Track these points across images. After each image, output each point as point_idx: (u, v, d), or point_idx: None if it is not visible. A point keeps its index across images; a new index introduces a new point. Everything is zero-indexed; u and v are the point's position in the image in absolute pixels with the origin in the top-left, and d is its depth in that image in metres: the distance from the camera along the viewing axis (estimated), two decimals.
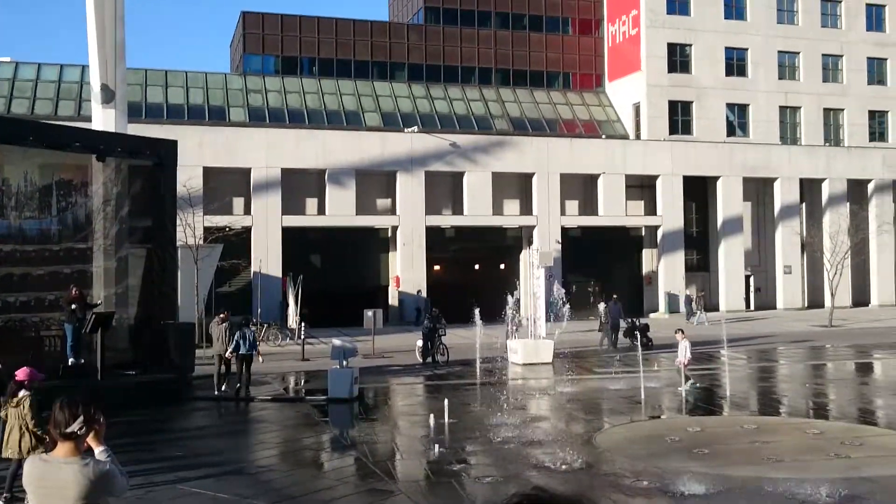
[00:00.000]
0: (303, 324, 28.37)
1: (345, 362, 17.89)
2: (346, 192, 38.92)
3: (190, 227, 27.47)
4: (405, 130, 41.43)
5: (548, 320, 26.33)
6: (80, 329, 17.50)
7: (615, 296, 30.71)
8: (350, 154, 39.01)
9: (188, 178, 28.43)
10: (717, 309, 42.29)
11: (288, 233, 37.70)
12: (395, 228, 40.18)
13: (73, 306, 17.43)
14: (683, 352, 18.20)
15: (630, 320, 28.57)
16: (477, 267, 43.56)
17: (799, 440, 13.17)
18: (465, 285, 38.26)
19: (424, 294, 38.54)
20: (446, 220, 41.79)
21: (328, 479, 11.60)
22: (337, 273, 39.74)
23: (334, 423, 16.12)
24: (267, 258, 36.59)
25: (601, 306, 31.20)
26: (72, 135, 20.22)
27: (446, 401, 14.35)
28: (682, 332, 18.84)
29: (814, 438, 13.25)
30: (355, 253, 41.11)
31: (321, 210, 39.55)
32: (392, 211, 40.51)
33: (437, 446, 12.43)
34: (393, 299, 40.02)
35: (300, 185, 39.20)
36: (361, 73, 47.79)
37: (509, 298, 25.28)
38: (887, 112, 52.14)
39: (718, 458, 11.84)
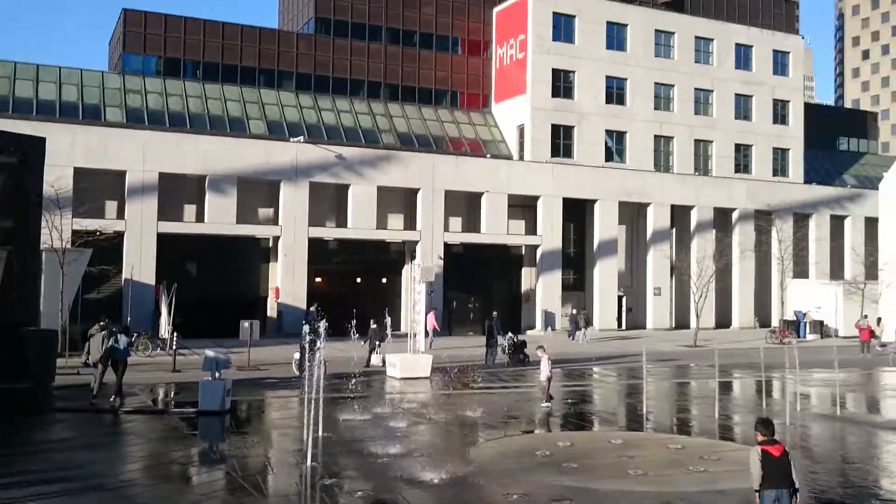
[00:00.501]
0: (175, 334, 27.40)
1: (217, 374, 17.40)
2: (226, 200, 37.98)
3: (57, 230, 26.10)
4: (291, 140, 40.88)
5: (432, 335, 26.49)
6: None
7: (495, 313, 31.28)
8: (232, 161, 38.15)
9: (56, 178, 27.14)
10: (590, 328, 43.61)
11: (163, 239, 36.40)
12: (276, 239, 39.50)
13: None
14: (545, 369, 18.74)
15: (509, 337, 29.14)
16: (359, 280, 43.36)
17: (662, 455, 13.75)
18: (347, 298, 37.96)
19: (314, 307, 37.66)
20: (330, 232, 41.46)
21: (194, 494, 11.23)
22: (215, 282, 38.67)
23: (204, 437, 15.64)
24: (140, 265, 35.20)
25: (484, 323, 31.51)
26: None
27: (321, 414, 14.18)
28: (544, 349, 19.38)
29: (676, 453, 13.86)
30: (234, 262, 40.12)
31: (200, 217, 38.42)
32: (274, 221, 39.82)
33: (309, 460, 12.25)
34: (272, 311, 39.28)
35: (178, 191, 37.99)
36: (247, 80, 46.84)
37: (387, 318, 25.46)
38: (752, 146, 55.46)
39: (586, 473, 12.20)
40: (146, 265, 35.58)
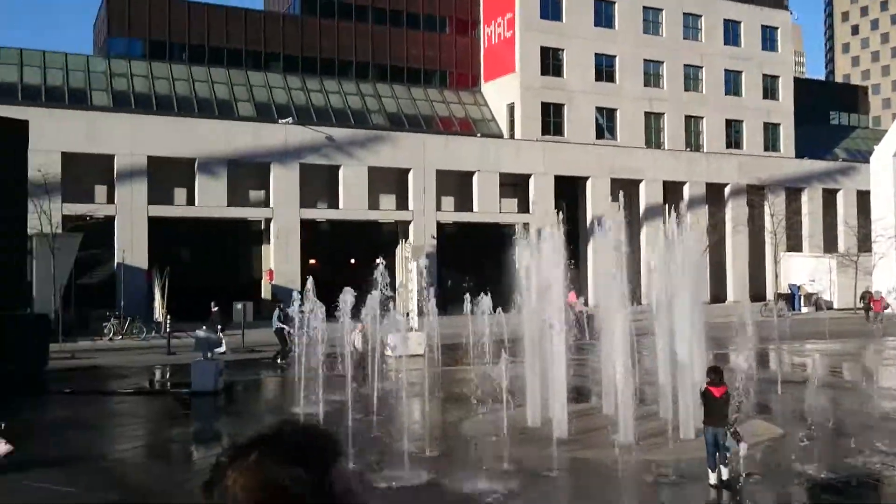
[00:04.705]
0: (168, 317, 27.34)
1: (209, 354, 17.34)
2: (217, 183, 37.74)
3: (46, 215, 25.96)
4: (280, 122, 40.63)
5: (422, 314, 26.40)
6: None
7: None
8: (221, 144, 37.86)
9: (43, 163, 26.88)
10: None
11: (155, 223, 36.15)
12: (268, 220, 39.32)
13: None
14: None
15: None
16: (353, 261, 43.24)
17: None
18: (341, 280, 37.77)
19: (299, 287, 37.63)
20: (322, 213, 41.30)
21: (186, 473, 11.18)
22: (208, 266, 38.49)
23: (196, 416, 15.59)
24: (132, 249, 35.00)
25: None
26: None
27: (302, 394, 14.11)
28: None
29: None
30: (227, 245, 40.00)
31: (191, 200, 38.18)
32: (266, 203, 39.63)
33: None
34: (267, 293, 39.16)
35: (168, 174, 37.66)
36: (234, 62, 46.42)
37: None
38: (742, 121, 55.39)
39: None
40: (138, 249, 35.38)
